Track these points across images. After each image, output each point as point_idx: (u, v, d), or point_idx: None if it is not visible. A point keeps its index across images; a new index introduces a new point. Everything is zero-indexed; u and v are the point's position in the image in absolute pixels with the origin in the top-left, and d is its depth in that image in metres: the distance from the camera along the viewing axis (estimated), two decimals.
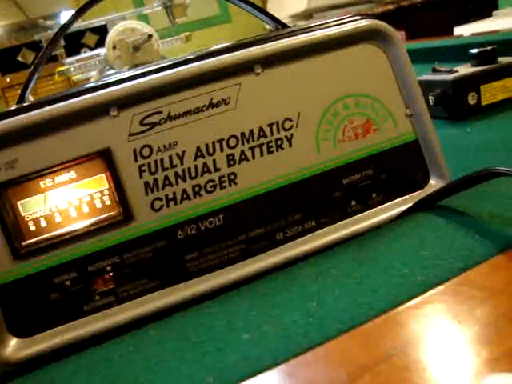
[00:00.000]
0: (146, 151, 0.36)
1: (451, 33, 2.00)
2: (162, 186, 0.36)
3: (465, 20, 2.26)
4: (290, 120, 0.38)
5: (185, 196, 0.37)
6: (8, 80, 3.72)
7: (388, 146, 0.41)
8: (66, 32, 0.48)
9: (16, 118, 0.34)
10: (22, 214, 0.36)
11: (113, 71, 0.95)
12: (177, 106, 0.36)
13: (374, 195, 0.41)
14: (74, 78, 1.20)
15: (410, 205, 0.40)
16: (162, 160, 0.36)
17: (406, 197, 0.41)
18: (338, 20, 0.41)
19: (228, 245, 0.38)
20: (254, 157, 0.38)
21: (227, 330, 0.28)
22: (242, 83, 0.37)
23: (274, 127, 0.38)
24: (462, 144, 0.58)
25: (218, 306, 0.33)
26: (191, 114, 0.36)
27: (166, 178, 0.36)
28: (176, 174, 0.37)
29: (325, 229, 0.39)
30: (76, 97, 0.35)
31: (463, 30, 1.82)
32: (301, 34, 0.39)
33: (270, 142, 0.38)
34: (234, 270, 0.37)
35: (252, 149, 0.38)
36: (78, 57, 1.40)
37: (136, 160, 0.36)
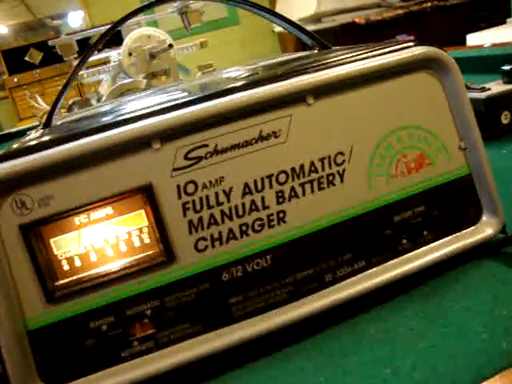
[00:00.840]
0: (190, 187, 0.34)
1: (462, 39, 1.98)
2: (208, 225, 0.34)
3: (475, 26, 2.24)
4: (342, 154, 0.36)
5: (231, 236, 0.34)
6: (15, 80, 3.70)
7: (441, 181, 0.39)
8: (92, 54, 0.45)
9: (51, 151, 0.32)
10: (55, 253, 0.33)
11: (128, 79, 0.92)
12: (224, 138, 0.34)
13: (425, 233, 0.38)
14: (84, 81, 1.17)
15: (459, 245, 0.38)
16: (207, 197, 0.34)
17: (458, 234, 0.39)
18: (390, 46, 0.38)
19: (275, 287, 0.35)
20: (304, 193, 0.35)
21: None
22: (293, 115, 0.35)
23: (326, 162, 0.36)
24: (499, 167, 0.56)
25: (277, 366, 0.30)
26: (239, 147, 0.34)
27: (212, 216, 0.34)
28: (222, 212, 0.34)
29: (375, 269, 0.37)
30: (115, 127, 0.33)
31: (477, 38, 1.80)
32: (353, 61, 0.36)
33: (321, 177, 0.36)
34: (281, 313, 0.35)
35: (302, 185, 0.35)
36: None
37: (180, 197, 0.33)
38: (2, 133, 2.50)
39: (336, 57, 0.37)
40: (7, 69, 3.69)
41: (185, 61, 1.20)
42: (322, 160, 0.35)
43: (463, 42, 1.90)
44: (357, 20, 2.32)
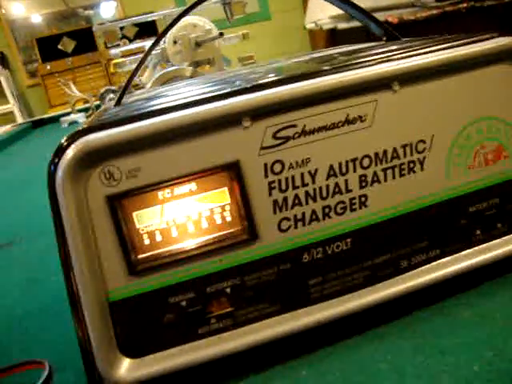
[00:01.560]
0: (277, 167, 0.34)
1: None
2: (292, 205, 0.34)
3: None
4: (424, 142, 0.36)
5: (314, 217, 0.34)
6: (48, 67, 3.74)
7: None
8: (165, 36, 0.45)
9: (142, 123, 0.32)
10: (137, 227, 0.33)
11: (173, 67, 0.92)
12: (312, 120, 0.34)
13: (499, 225, 0.38)
14: (118, 70, 1.17)
15: None
16: (293, 177, 0.34)
17: None
18: (474, 36, 0.38)
19: (353, 270, 0.35)
20: (386, 179, 0.35)
21: (395, 376, 0.26)
22: (378, 100, 0.35)
23: (408, 149, 0.36)
24: None
25: (375, 342, 0.30)
26: (326, 129, 0.34)
27: (296, 196, 0.34)
28: (307, 193, 0.34)
29: (448, 258, 0.37)
30: (204, 103, 0.33)
31: None
32: (439, 50, 0.36)
33: (403, 164, 0.36)
34: (358, 297, 0.35)
35: (384, 170, 0.35)
36: (121, 49, 1.37)
37: (266, 176, 0.34)
38: (35, 118, 2.51)
39: (420, 46, 0.37)
40: (41, 56, 3.75)
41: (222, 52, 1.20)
42: (404, 147, 0.35)
43: None
44: (390, 19, 2.28)
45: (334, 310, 0.34)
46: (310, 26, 2.86)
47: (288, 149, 0.34)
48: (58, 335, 0.43)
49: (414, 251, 0.36)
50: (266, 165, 0.33)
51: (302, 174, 0.34)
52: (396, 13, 2.38)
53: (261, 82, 0.34)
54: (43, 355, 0.37)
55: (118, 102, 0.44)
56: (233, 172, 0.33)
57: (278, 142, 0.34)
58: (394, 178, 0.35)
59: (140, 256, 0.33)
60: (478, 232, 0.38)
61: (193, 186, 0.34)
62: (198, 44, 0.92)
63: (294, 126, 0.34)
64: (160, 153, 0.33)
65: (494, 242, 0.38)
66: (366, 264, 0.36)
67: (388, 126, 0.35)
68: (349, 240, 0.35)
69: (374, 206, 0.35)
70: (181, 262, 0.33)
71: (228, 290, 0.34)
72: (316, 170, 0.34)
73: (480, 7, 2.39)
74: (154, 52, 1.04)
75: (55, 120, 2.22)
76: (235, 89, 0.33)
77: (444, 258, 0.37)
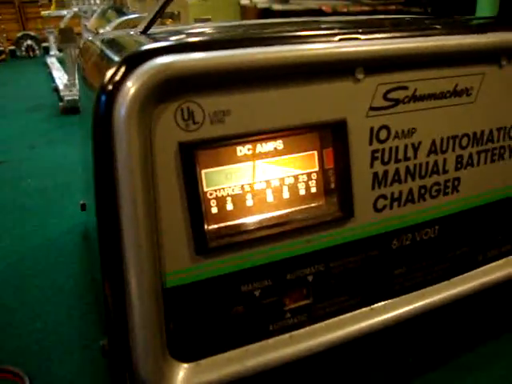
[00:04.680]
0: (383, 134, 0.28)
1: None
2: (391, 181, 0.29)
3: None
4: None
5: (410, 198, 0.30)
6: None
7: None
8: None
9: (240, 51, 0.24)
10: (205, 189, 0.25)
11: (135, 15, 0.78)
12: (424, 84, 0.29)
13: None
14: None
15: None
16: (397, 149, 0.28)
17: None
18: None
19: (435, 262, 0.31)
20: (478, 163, 0.32)
21: None
22: (485, 73, 0.31)
23: (502, 133, 0.32)
24: None
25: None
26: (435, 98, 0.29)
27: (397, 172, 0.29)
28: (407, 168, 0.29)
29: None
30: (317, 42, 0.26)
31: None
32: None
33: (495, 149, 0.32)
34: (437, 291, 0.31)
35: (479, 153, 0.32)
36: None
37: (371, 143, 0.28)
38: None
39: None
40: None
41: None
42: (499, 130, 0.32)
43: None
44: (324, 7, 2.34)
45: (415, 306, 0.30)
46: (244, 1, 2.77)
47: (396, 114, 0.28)
48: None
49: (489, 245, 0.34)
50: (372, 129, 0.28)
51: (406, 146, 0.29)
52: (330, 3, 2.45)
53: (378, 33, 0.28)
54: None
55: (146, 30, 0.33)
56: (337, 132, 0.27)
57: (388, 104, 0.28)
58: (485, 162, 0.32)
59: (211, 229, 0.25)
60: None
61: (279, 143, 0.27)
62: None
63: (406, 88, 0.28)
64: (254, 96, 0.25)
65: None
66: (449, 255, 0.32)
67: (490, 103, 0.31)
68: (437, 227, 0.31)
69: (464, 191, 0.32)
70: (260, 240, 0.26)
71: (310, 278, 0.28)
72: (419, 144, 0.29)
73: (407, 11, 2.57)
74: None
75: None
76: (349, 35, 0.27)
77: None
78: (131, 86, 0.22)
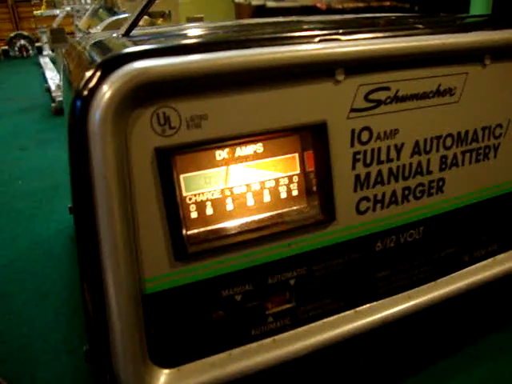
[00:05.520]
0: (365, 135, 0.28)
1: None
2: (374, 183, 0.28)
3: None
4: (501, 127, 0.33)
5: (393, 199, 0.29)
6: None
7: None
8: None
9: (218, 55, 0.23)
10: (184, 194, 0.25)
11: (125, 14, 0.77)
12: (406, 85, 0.28)
13: None
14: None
15: None
16: (379, 150, 0.28)
17: None
18: None
19: (420, 263, 0.31)
20: (463, 163, 0.32)
21: None
22: (469, 73, 0.30)
23: (487, 132, 0.32)
24: None
25: None
26: (418, 98, 0.29)
27: (380, 173, 0.29)
28: (390, 170, 0.29)
29: (503, 254, 0.35)
30: (296, 44, 0.25)
31: None
32: None
33: (480, 148, 0.32)
34: (421, 293, 0.31)
35: (463, 153, 0.31)
36: None
37: (352, 144, 0.27)
38: None
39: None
40: None
41: None
42: (483, 129, 0.32)
43: None
44: (318, 5, 2.33)
45: (399, 308, 0.30)
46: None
47: (378, 115, 0.28)
48: None
49: (475, 245, 0.33)
50: (353, 131, 0.27)
51: (389, 148, 0.29)
52: (325, 0, 2.44)
53: (359, 33, 0.27)
54: None
55: (128, 32, 0.33)
56: (317, 135, 0.26)
57: (369, 105, 0.28)
58: (470, 162, 0.32)
59: (190, 234, 0.25)
60: None
61: (258, 147, 0.26)
62: None
63: (388, 88, 0.28)
64: (232, 100, 0.24)
65: None
66: (433, 257, 0.32)
67: (474, 103, 0.31)
68: (421, 228, 0.31)
69: (449, 191, 0.31)
70: (241, 245, 0.26)
71: (292, 282, 0.27)
72: (402, 145, 0.29)
73: (401, 8, 2.56)
74: None
75: None
76: (329, 36, 0.26)
77: (500, 254, 0.35)
78: (106, 91, 0.21)
